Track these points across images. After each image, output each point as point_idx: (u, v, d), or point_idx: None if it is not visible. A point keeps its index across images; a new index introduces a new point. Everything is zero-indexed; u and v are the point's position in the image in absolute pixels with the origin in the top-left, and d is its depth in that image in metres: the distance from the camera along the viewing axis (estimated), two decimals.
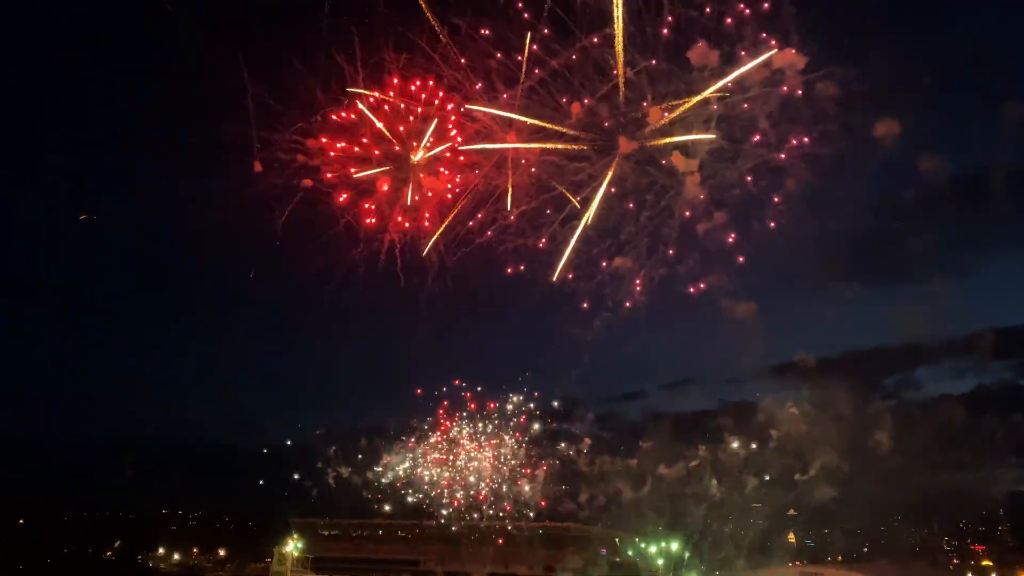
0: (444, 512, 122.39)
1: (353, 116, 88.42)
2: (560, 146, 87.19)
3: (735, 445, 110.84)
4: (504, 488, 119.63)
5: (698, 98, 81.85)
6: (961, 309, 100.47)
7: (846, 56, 79.35)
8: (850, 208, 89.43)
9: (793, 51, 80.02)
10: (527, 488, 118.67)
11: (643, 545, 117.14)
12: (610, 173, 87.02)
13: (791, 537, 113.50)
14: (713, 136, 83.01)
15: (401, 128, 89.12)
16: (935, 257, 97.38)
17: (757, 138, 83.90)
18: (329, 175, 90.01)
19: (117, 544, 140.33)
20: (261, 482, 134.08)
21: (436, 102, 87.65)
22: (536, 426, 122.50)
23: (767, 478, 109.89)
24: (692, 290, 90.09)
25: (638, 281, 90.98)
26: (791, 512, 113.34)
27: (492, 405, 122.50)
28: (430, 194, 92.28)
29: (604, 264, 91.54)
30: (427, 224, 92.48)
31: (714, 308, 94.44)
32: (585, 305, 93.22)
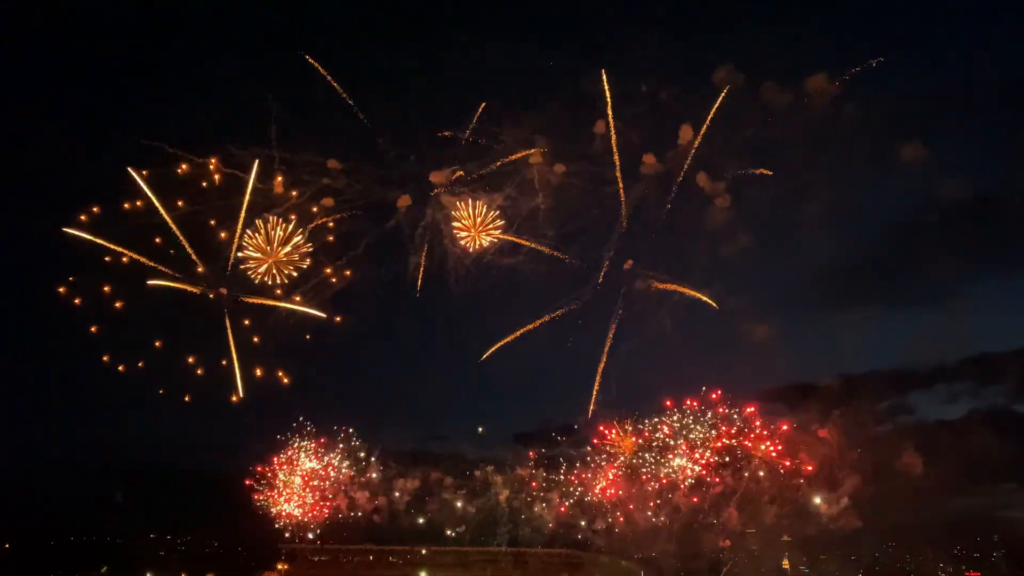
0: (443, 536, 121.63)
1: None
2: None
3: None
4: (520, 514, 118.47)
5: None
6: (954, 334, 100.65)
7: (872, 80, 79.80)
8: (843, 233, 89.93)
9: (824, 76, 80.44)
10: (543, 513, 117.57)
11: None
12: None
13: (785, 564, 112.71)
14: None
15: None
16: (928, 282, 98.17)
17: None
18: None
19: (104, 569, 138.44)
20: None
21: None
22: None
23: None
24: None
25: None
26: (785, 538, 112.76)
27: None
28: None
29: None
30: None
31: (703, 332, 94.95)
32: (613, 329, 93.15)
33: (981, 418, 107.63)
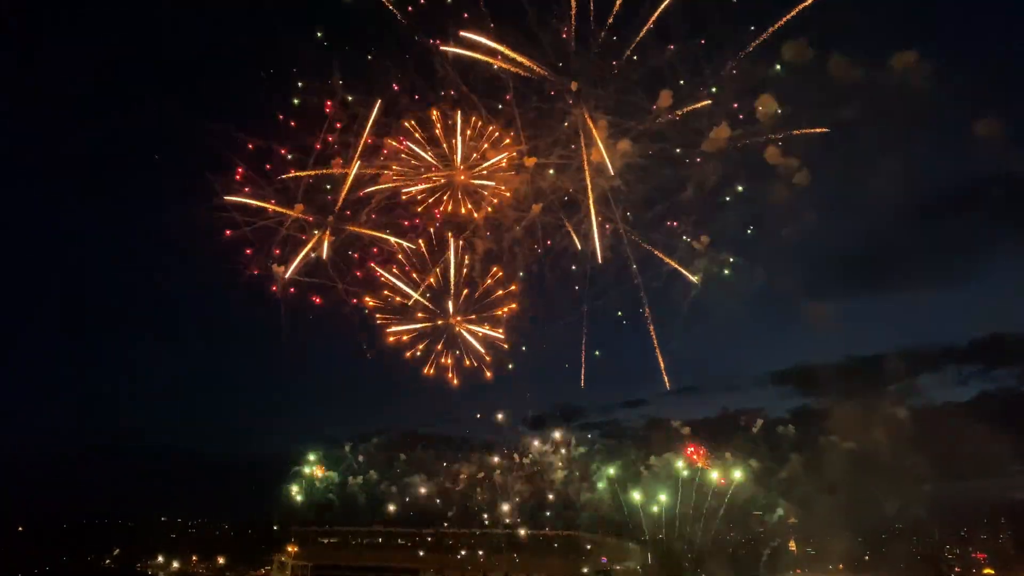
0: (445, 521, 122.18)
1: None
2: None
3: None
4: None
5: None
6: (964, 316, 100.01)
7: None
8: (851, 215, 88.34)
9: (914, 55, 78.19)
10: (588, 495, 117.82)
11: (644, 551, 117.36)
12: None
13: (792, 546, 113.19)
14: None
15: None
16: (938, 264, 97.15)
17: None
18: None
19: (116, 552, 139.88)
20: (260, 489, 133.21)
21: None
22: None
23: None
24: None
25: None
26: (791, 520, 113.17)
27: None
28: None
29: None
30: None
31: (714, 315, 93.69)
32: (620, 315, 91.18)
33: (990, 400, 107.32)
